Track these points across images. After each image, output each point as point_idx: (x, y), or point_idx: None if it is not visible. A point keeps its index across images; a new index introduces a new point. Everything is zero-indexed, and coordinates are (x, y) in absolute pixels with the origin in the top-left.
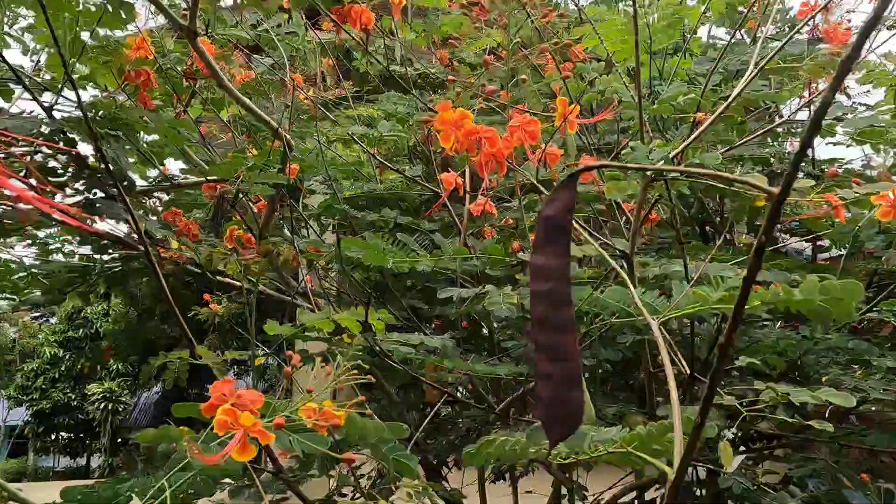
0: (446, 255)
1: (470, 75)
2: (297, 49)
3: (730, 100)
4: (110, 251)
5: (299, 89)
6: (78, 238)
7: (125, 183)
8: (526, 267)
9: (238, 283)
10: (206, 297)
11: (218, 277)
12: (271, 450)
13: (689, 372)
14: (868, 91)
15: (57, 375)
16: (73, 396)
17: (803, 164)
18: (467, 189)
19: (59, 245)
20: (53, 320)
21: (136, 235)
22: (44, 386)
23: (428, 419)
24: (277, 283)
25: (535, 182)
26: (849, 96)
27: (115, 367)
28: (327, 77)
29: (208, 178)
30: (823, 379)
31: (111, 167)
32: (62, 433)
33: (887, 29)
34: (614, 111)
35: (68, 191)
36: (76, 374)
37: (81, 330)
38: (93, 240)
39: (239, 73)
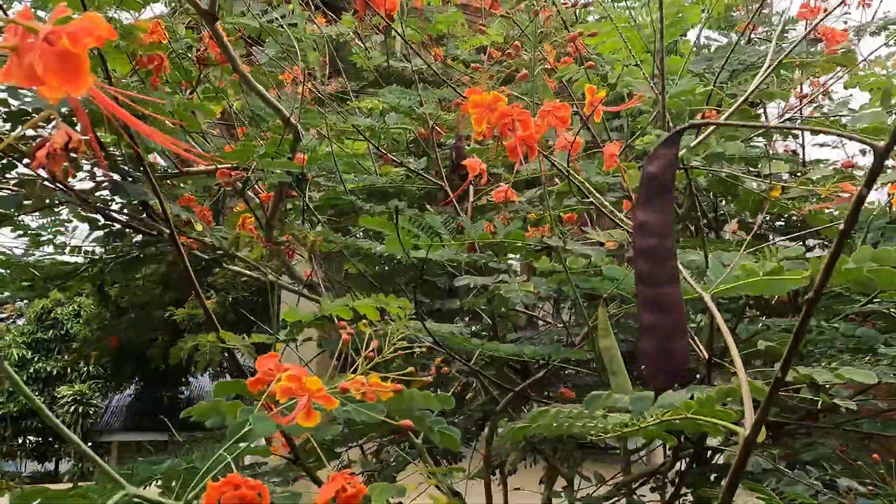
0: (470, 236)
1: (464, 73)
2: (298, 41)
3: (750, 89)
4: (115, 240)
5: (300, 82)
6: (87, 224)
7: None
8: (553, 251)
9: (247, 272)
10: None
11: (227, 266)
12: (290, 437)
13: (707, 356)
14: (851, 95)
15: (25, 378)
16: (43, 399)
17: (790, 164)
18: (472, 182)
19: (50, 236)
20: (21, 321)
21: (147, 219)
22: (11, 389)
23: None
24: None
25: (564, 170)
26: (831, 99)
27: (85, 369)
28: (318, 74)
29: (219, 165)
30: (832, 365)
31: (137, 147)
32: (29, 437)
33: (870, 35)
34: (639, 100)
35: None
36: (45, 377)
37: (51, 331)
38: (105, 224)
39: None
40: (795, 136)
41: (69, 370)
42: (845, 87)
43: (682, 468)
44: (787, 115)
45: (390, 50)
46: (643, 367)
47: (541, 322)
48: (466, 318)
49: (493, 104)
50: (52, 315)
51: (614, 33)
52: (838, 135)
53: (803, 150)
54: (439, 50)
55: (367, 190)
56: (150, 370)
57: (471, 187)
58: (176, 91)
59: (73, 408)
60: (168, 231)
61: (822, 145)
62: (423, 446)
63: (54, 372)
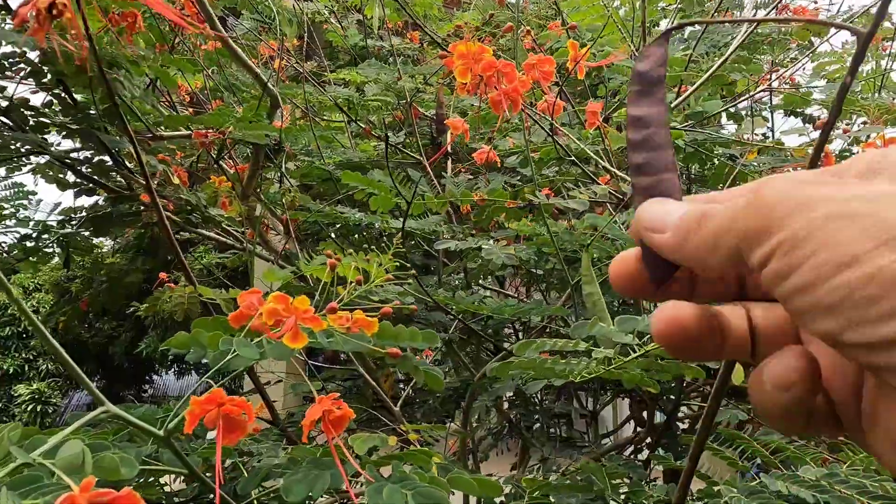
0: (453, 196)
1: (438, 54)
2: (275, 14)
3: (727, 55)
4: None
5: (277, 56)
6: (56, 184)
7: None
8: (535, 210)
9: (222, 238)
10: (163, 275)
11: (202, 231)
12: (270, 402)
13: None
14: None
15: None
16: None
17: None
18: (450, 152)
19: (13, 210)
20: None
21: (117, 178)
22: None
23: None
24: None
25: (549, 133)
26: (798, 88)
27: (44, 366)
28: (293, 52)
29: (195, 127)
30: None
31: (117, 102)
32: None
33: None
34: (616, 58)
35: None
36: (1, 375)
37: (8, 328)
38: (76, 183)
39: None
40: (766, 121)
41: (27, 368)
42: (815, 72)
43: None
44: (757, 92)
45: (367, 29)
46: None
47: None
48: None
49: (479, 55)
50: (8, 311)
51: (594, 10)
52: (823, 23)
53: (773, 133)
54: (415, 34)
55: (344, 165)
56: (113, 368)
57: (449, 161)
58: (151, 52)
59: (30, 406)
60: (144, 183)
61: (788, 132)
62: (401, 415)
63: (11, 370)
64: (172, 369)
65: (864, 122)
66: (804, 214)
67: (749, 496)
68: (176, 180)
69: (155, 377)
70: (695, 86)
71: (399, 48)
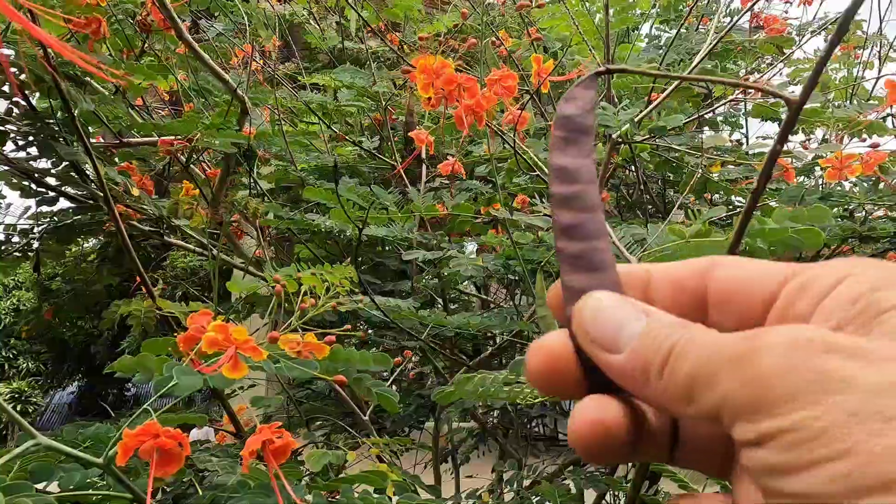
0: (417, 209)
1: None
2: (249, 17)
3: (692, 66)
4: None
5: (251, 59)
6: (19, 192)
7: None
8: (499, 224)
9: (189, 246)
10: (139, 279)
11: (170, 240)
12: (233, 413)
13: None
14: (793, 91)
15: None
16: None
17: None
18: (424, 158)
19: None
20: None
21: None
22: None
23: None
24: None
25: (511, 146)
26: (772, 94)
27: (24, 365)
28: (270, 53)
29: (162, 135)
30: None
31: (73, 109)
32: None
33: (810, 33)
34: (580, 73)
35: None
36: None
37: None
38: (37, 192)
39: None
40: (740, 127)
41: (7, 367)
42: (789, 78)
43: None
44: (730, 100)
45: (345, 31)
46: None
47: (493, 306)
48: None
49: (440, 70)
50: None
51: (566, 17)
52: (756, 88)
53: (747, 140)
54: (395, 36)
55: (319, 169)
56: (95, 367)
57: (424, 167)
58: (117, 59)
59: (10, 406)
60: (101, 195)
61: (765, 138)
62: (370, 423)
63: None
64: (149, 404)
65: (825, 138)
66: (817, 400)
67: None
68: (136, 192)
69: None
70: (657, 101)
71: (378, 51)
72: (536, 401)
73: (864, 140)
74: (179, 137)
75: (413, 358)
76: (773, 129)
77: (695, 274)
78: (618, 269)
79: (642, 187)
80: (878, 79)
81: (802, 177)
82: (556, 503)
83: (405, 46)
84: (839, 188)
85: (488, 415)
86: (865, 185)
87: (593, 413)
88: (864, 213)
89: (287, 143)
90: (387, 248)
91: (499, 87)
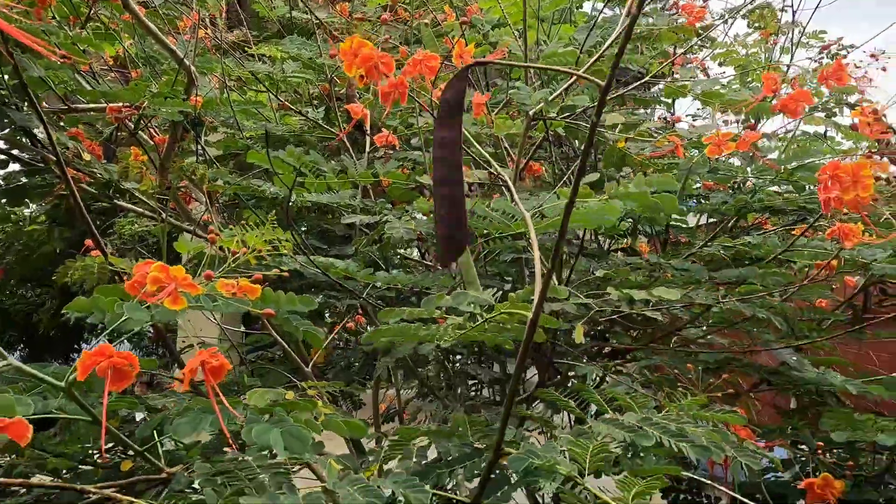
0: (353, 176)
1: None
2: None
3: (601, 50)
4: None
5: (199, 27)
6: None
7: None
8: (425, 189)
9: (138, 209)
10: (88, 242)
11: (119, 202)
12: (177, 352)
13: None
14: (724, 71)
15: None
16: None
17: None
18: (366, 129)
19: None
20: None
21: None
22: None
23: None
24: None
25: (432, 113)
26: (707, 74)
27: None
28: (218, 22)
29: (110, 102)
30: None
31: (23, 75)
32: None
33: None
34: (504, 55)
35: None
36: None
37: None
38: None
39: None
40: (670, 106)
41: None
42: (720, 65)
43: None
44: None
45: (293, 1)
46: (438, 245)
47: (433, 270)
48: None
49: (357, 49)
50: None
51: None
52: (566, 72)
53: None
54: (345, 5)
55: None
56: (38, 336)
57: (368, 138)
58: (63, 27)
59: None
60: (54, 159)
61: (694, 116)
62: (311, 374)
63: None
64: (102, 337)
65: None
66: None
67: (576, 436)
68: (87, 156)
69: (84, 346)
70: (566, 83)
71: (327, 20)
72: (452, 340)
73: (753, 121)
74: (127, 105)
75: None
76: (696, 106)
77: None
78: None
79: (569, 162)
80: (789, 66)
81: (695, 150)
82: (467, 429)
83: (353, 17)
84: (727, 163)
85: (434, 372)
86: (744, 161)
87: None
88: (754, 187)
89: (234, 112)
90: (334, 215)
91: (422, 67)
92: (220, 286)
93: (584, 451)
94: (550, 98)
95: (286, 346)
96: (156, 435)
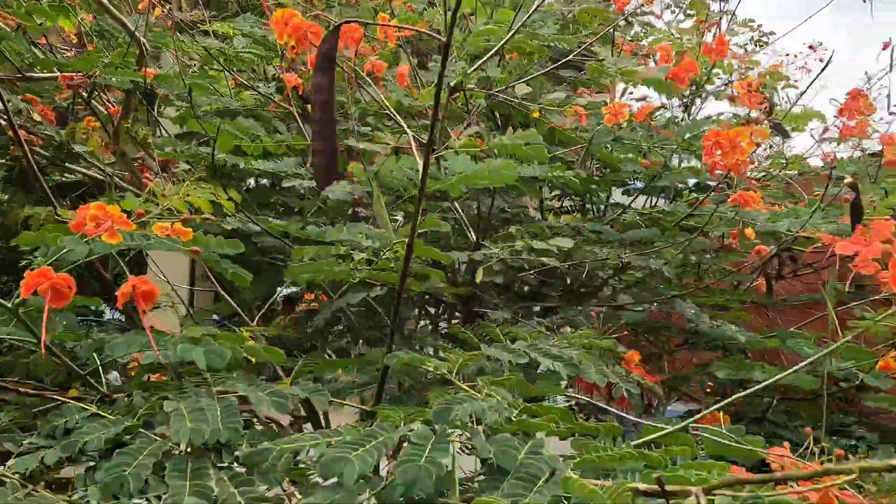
0: (287, 140)
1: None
2: None
3: (513, 31)
4: None
5: (156, 3)
6: None
7: None
8: (352, 151)
9: (89, 172)
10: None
11: (70, 165)
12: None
13: (475, 239)
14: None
15: None
16: None
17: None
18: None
19: None
20: None
21: None
22: None
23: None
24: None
25: (356, 71)
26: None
27: None
28: (180, 1)
29: (63, 72)
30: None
31: None
32: None
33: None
34: (427, 27)
35: None
36: None
37: None
38: None
39: None
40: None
41: None
42: (650, 45)
43: None
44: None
45: None
46: (315, 176)
47: None
48: None
49: (288, 19)
50: None
51: None
52: (436, 37)
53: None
54: None
55: (222, 112)
56: None
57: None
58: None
59: None
60: (6, 120)
61: (640, 99)
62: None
63: None
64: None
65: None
66: None
67: (467, 360)
68: (38, 117)
69: None
70: (487, 55)
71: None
72: (361, 276)
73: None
74: (80, 73)
75: None
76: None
77: None
78: None
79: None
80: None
81: (595, 119)
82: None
83: None
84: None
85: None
86: (642, 131)
87: None
88: (662, 157)
89: (187, 86)
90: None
91: (346, 38)
92: (156, 228)
93: (456, 357)
94: (470, 71)
95: (232, 302)
96: (96, 358)
